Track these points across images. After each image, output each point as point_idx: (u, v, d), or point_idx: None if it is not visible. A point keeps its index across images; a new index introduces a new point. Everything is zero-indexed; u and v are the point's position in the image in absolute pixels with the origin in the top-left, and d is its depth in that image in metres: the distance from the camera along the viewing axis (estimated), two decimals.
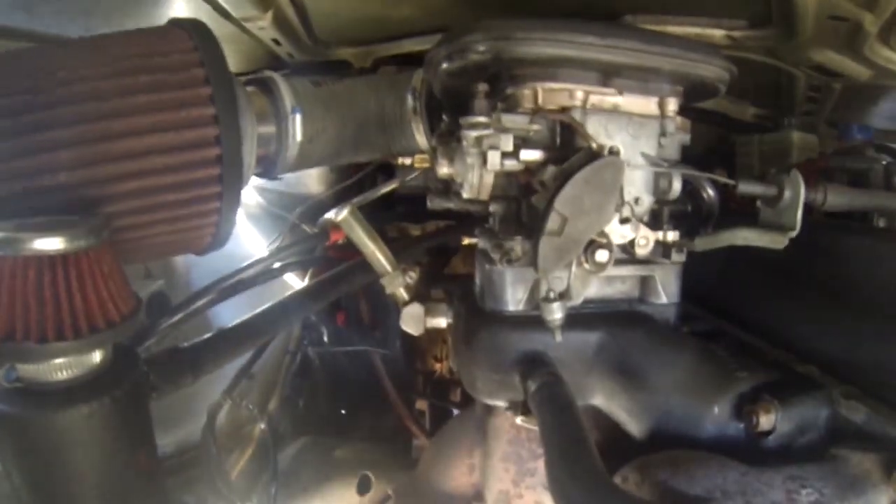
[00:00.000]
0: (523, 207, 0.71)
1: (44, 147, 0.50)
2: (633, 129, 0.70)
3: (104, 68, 0.54)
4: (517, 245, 0.68)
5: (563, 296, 0.67)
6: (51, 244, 0.46)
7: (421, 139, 0.84)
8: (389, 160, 1.19)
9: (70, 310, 0.48)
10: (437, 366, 1.62)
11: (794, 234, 0.65)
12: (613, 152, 0.64)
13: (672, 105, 0.71)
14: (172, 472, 1.08)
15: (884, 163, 0.89)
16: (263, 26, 0.94)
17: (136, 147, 0.53)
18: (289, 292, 0.88)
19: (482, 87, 0.67)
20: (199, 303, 0.90)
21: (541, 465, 0.83)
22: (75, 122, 0.51)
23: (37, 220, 0.48)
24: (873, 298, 0.66)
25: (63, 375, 0.50)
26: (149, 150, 0.54)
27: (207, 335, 0.73)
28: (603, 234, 0.66)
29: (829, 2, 0.72)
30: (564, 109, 0.68)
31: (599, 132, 0.68)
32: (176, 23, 0.61)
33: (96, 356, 0.52)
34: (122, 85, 0.53)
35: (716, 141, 1.21)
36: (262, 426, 1.28)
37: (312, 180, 1.29)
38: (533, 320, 0.70)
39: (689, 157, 0.77)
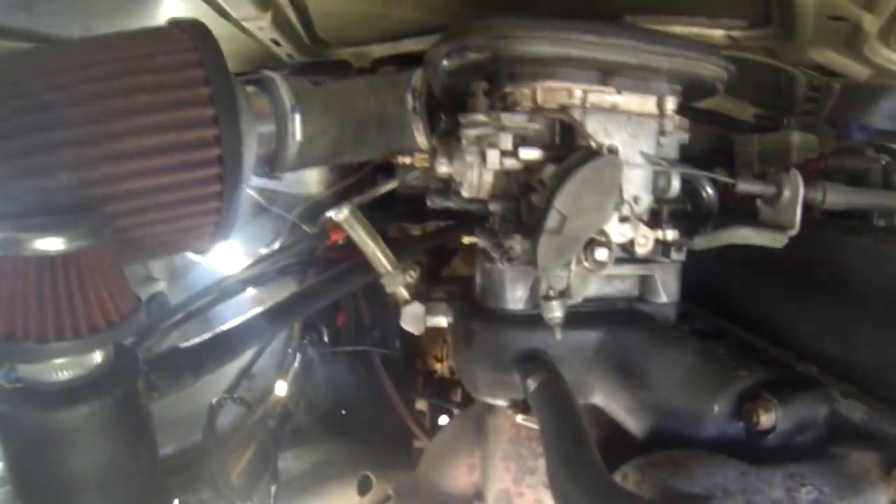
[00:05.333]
0: (523, 206, 0.71)
1: (44, 147, 0.50)
2: (632, 128, 0.70)
3: (104, 69, 0.53)
4: (517, 244, 0.68)
5: (563, 294, 0.67)
6: (51, 244, 0.46)
7: (420, 138, 0.84)
8: (389, 160, 1.18)
9: (70, 310, 0.48)
10: (438, 366, 1.62)
11: (793, 232, 0.65)
12: (612, 151, 0.65)
13: (671, 104, 0.71)
14: (172, 472, 1.08)
15: (883, 162, 0.89)
16: (263, 26, 0.94)
17: (136, 147, 0.53)
18: (289, 292, 0.88)
19: (481, 85, 0.68)
20: (200, 303, 0.90)
21: (541, 463, 0.83)
22: (75, 122, 0.51)
23: (37, 220, 0.48)
24: (872, 297, 0.66)
25: (63, 375, 0.50)
26: (149, 151, 0.53)
27: (208, 335, 0.73)
28: (602, 232, 0.66)
29: (829, 2, 0.72)
30: (563, 108, 0.68)
31: (598, 131, 0.69)
32: (175, 23, 0.61)
33: (96, 356, 0.52)
34: (122, 85, 0.53)
35: (715, 140, 1.21)
36: (263, 426, 1.28)
37: (312, 180, 1.29)
38: (533, 319, 0.70)
39: (689, 156, 0.77)
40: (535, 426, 0.73)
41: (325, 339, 1.43)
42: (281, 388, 1.37)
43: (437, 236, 1.18)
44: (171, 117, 0.54)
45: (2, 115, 0.49)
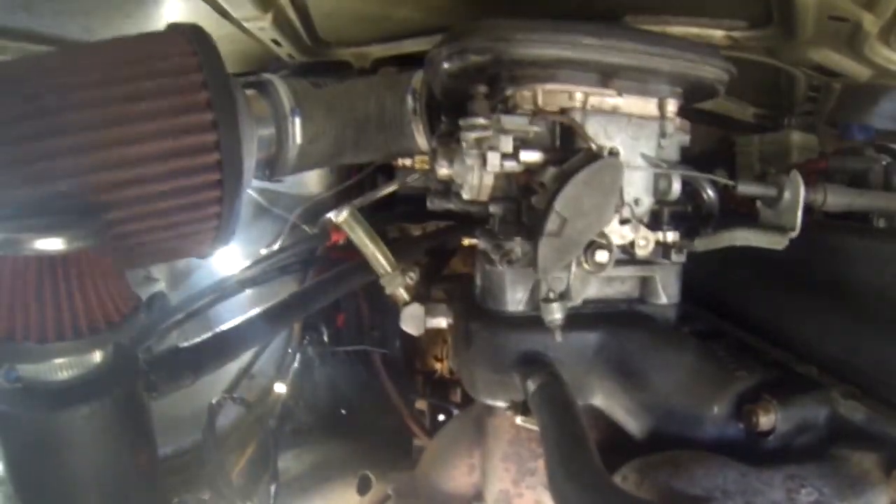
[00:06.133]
0: (523, 208, 0.71)
1: (44, 155, 0.49)
2: (633, 131, 0.70)
3: (103, 75, 0.53)
4: (517, 246, 0.68)
5: (563, 296, 0.67)
6: (51, 244, 0.46)
7: (421, 140, 0.84)
8: (389, 161, 1.19)
9: (70, 310, 0.48)
10: (438, 366, 1.62)
11: (794, 234, 0.65)
12: (613, 153, 0.65)
13: (671, 106, 0.71)
14: (172, 471, 1.08)
15: (883, 163, 0.89)
16: (263, 27, 0.93)
17: (135, 154, 0.53)
18: (289, 293, 0.88)
19: (482, 88, 0.67)
20: (200, 303, 0.90)
21: (541, 464, 0.83)
22: (75, 129, 0.50)
23: (37, 220, 0.48)
24: (873, 299, 0.66)
25: (63, 375, 0.50)
26: (148, 157, 0.53)
27: (207, 335, 0.73)
28: (603, 234, 0.66)
29: (830, 2, 0.72)
30: (564, 111, 0.68)
31: (599, 133, 0.69)
32: (174, 28, 0.61)
33: (96, 356, 0.52)
34: (122, 92, 0.53)
35: (716, 142, 1.21)
36: (262, 426, 1.28)
37: (312, 181, 1.29)
38: (533, 320, 0.70)
39: (689, 157, 0.77)
40: (534, 427, 0.73)
41: (325, 339, 1.43)
42: (280, 388, 1.37)
43: (437, 238, 1.18)
44: (171, 123, 0.54)
45: (2, 121, 0.49)
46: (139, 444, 0.56)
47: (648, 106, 0.71)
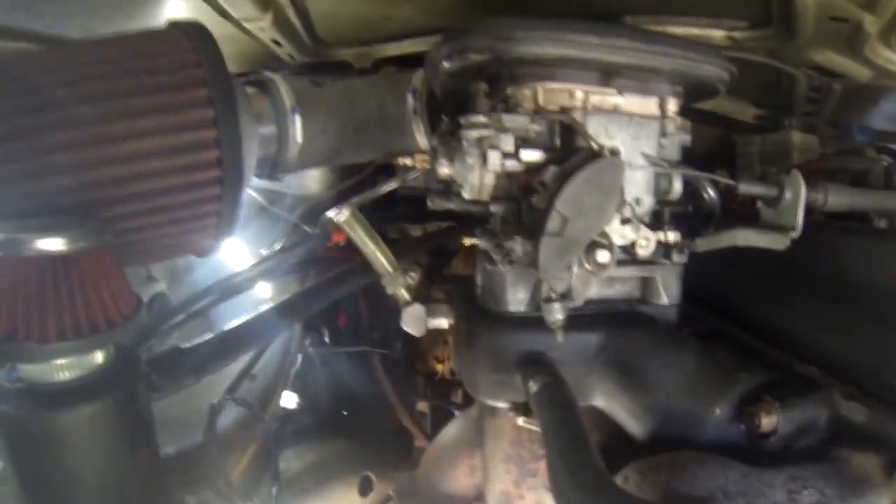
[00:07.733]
0: (524, 208, 0.71)
1: (43, 150, 0.49)
2: (634, 130, 0.70)
3: (103, 70, 0.53)
4: (518, 245, 0.68)
5: (565, 296, 0.67)
6: (52, 244, 0.46)
7: (421, 139, 0.84)
8: (390, 161, 1.18)
9: (71, 310, 0.48)
10: (439, 367, 1.61)
11: (795, 234, 0.65)
12: (614, 153, 0.65)
13: (672, 105, 0.71)
14: (173, 472, 1.08)
15: (884, 163, 0.89)
16: (264, 27, 0.94)
17: (135, 150, 0.53)
18: (290, 293, 0.88)
19: (482, 86, 0.67)
20: (201, 304, 0.90)
21: (542, 465, 0.83)
22: (75, 124, 0.50)
23: (38, 220, 0.48)
24: (873, 299, 0.66)
25: (65, 376, 0.50)
26: (148, 153, 0.53)
27: (209, 336, 0.73)
28: (604, 234, 0.66)
29: (830, 3, 0.72)
30: (565, 110, 0.68)
31: (600, 132, 0.69)
32: (175, 25, 0.61)
33: (98, 356, 0.52)
34: (121, 87, 0.53)
35: (716, 141, 1.21)
36: (264, 427, 1.28)
37: (313, 181, 1.29)
38: (534, 321, 0.70)
39: (690, 158, 0.77)
40: (536, 428, 0.73)
41: (326, 339, 1.43)
42: (289, 399, 1.35)
43: (437, 237, 1.18)
44: (171, 119, 0.54)
45: (1, 116, 0.49)
46: (140, 444, 0.56)
47: (649, 105, 0.71)
